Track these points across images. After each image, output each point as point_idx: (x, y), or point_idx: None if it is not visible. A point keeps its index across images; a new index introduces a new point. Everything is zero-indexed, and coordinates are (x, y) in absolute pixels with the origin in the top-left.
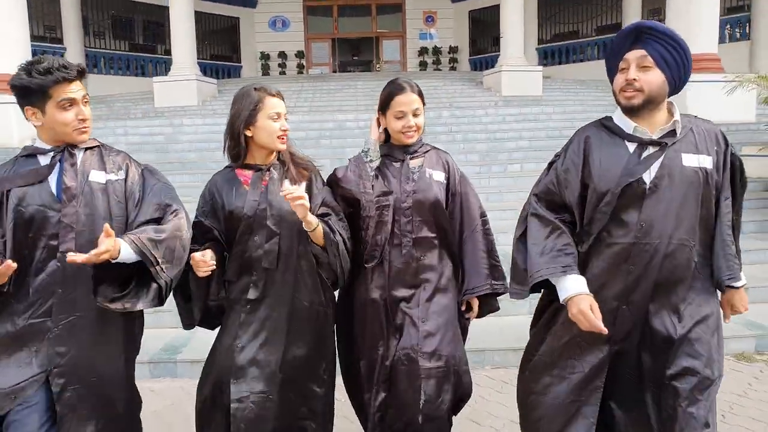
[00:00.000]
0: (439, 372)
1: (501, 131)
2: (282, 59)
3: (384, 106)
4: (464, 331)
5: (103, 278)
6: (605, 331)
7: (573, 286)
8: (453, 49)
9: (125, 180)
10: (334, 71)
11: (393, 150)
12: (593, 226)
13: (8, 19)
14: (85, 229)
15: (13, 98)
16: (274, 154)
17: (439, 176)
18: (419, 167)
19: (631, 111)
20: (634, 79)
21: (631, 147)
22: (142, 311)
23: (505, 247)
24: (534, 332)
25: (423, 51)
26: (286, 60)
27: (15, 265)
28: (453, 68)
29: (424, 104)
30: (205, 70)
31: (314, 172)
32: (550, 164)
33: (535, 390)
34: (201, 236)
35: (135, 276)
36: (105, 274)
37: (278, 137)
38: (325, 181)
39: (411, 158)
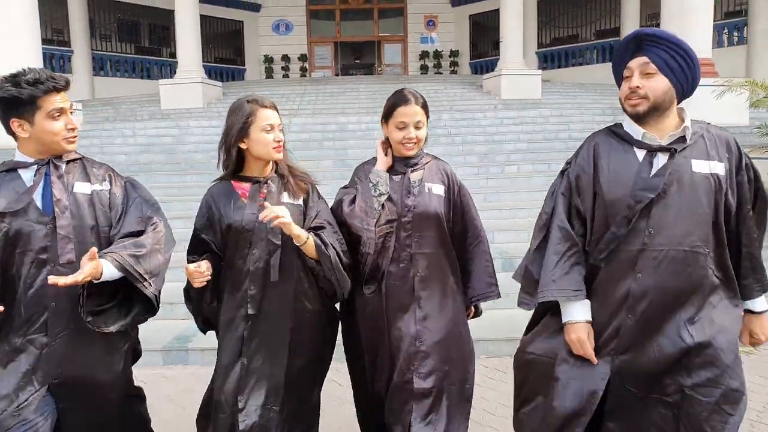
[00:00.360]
0: (432, 392)
1: (499, 134)
2: (285, 62)
3: (387, 116)
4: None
5: (91, 295)
6: (595, 361)
7: (577, 313)
8: (454, 53)
9: (110, 191)
10: (337, 74)
11: (394, 162)
12: (606, 236)
13: (21, 23)
14: (75, 240)
15: None
16: (271, 165)
17: (439, 189)
18: (419, 181)
19: (638, 118)
20: (638, 87)
21: (640, 154)
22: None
23: (500, 245)
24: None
25: (424, 55)
26: (290, 63)
27: (1, 308)
28: (454, 72)
29: (428, 117)
30: (210, 73)
31: (312, 185)
32: (562, 172)
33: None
34: (198, 249)
35: (120, 292)
36: (93, 291)
37: (273, 148)
38: (331, 206)
39: (412, 171)
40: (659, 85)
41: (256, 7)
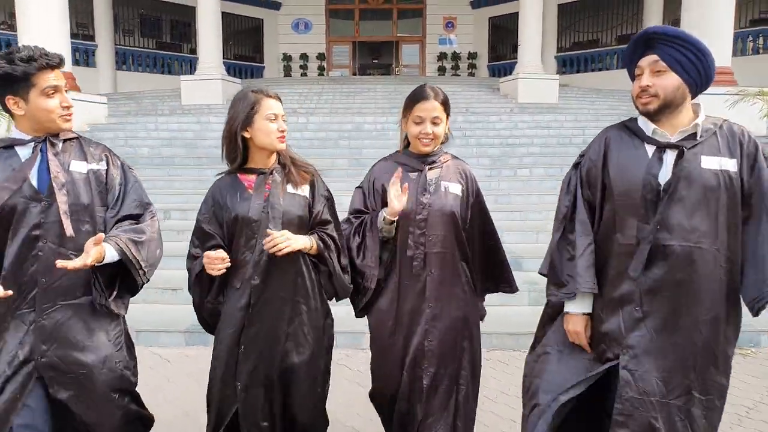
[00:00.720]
0: (441, 390)
1: (513, 137)
2: (303, 61)
3: (406, 110)
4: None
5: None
6: (589, 351)
7: (580, 305)
8: (472, 55)
9: (107, 171)
10: (354, 74)
11: (411, 160)
12: (613, 230)
13: (51, 13)
14: (71, 218)
15: None
16: (275, 156)
17: (456, 188)
18: (436, 179)
19: (649, 116)
20: (648, 86)
21: (650, 150)
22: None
23: (510, 245)
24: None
25: (442, 56)
26: (308, 62)
27: (10, 292)
28: (471, 74)
29: (448, 115)
30: (229, 69)
31: (315, 174)
32: (576, 165)
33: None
34: (204, 242)
35: (118, 276)
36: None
37: (277, 137)
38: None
39: (429, 169)
40: (670, 82)
41: (276, 6)
